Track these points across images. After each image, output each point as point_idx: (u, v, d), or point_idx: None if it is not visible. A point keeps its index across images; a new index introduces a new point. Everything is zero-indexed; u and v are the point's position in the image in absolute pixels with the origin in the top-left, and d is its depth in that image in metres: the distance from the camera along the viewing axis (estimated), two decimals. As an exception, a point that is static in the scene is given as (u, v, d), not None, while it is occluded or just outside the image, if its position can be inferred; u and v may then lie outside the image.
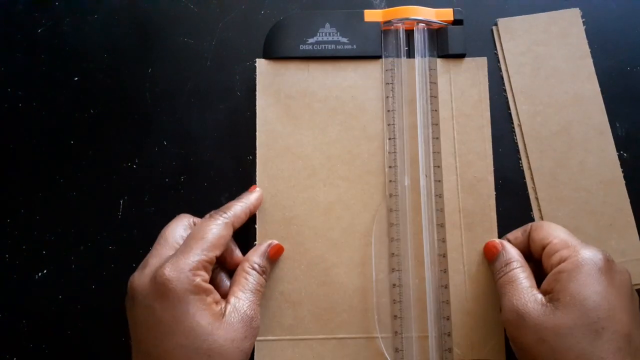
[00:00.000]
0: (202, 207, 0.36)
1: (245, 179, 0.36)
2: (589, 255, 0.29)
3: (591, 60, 0.37)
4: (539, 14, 0.38)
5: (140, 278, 0.28)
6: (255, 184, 0.35)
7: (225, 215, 0.31)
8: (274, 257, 0.33)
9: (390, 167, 0.35)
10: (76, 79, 0.39)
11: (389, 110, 0.36)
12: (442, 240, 0.34)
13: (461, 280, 0.34)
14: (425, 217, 0.34)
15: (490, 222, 0.35)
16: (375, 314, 0.33)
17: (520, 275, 0.30)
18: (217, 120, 0.38)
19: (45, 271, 0.36)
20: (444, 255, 0.34)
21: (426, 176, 0.35)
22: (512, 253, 0.32)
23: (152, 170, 0.37)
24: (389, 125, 0.36)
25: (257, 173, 0.35)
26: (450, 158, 0.35)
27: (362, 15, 0.37)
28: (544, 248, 0.31)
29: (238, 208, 0.32)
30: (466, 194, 0.35)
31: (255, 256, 0.32)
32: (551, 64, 0.37)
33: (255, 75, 0.36)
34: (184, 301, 0.27)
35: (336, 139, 0.36)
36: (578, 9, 0.38)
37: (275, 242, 0.34)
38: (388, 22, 0.36)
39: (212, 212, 0.32)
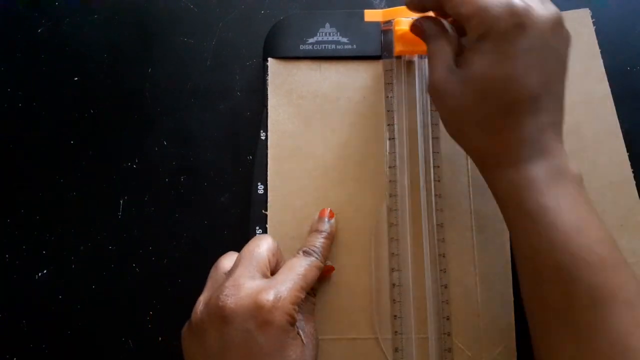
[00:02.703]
0: (202, 207, 0.36)
1: (245, 179, 0.36)
2: (496, 21, 0.26)
3: (601, 61, 0.37)
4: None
5: (239, 300, 0.27)
6: (255, 183, 0.35)
7: (319, 257, 0.31)
8: (324, 277, 0.33)
9: (390, 167, 0.35)
10: (76, 79, 0.39)
11: (388, 111, 0.36)
12: (442, 240, 0.34)
13: (472, 283, 0.34)
14: (425, 217, 0.34)
15: (502, 223, 0.34)
16: (375, 314, 0.33)
17: (442, 46, 0.30)
18: (217, 120, 0.38)
19: (45, 271, 0.36)
20: (444, 255, 0.34)
21: (426, 179, 0.35)
22: (431, 27, 0.31)
23: (152, 170, 0.37)
24: (388, 125, 0.36)
25: (268, 173, 0.35)
26: (462, 159, 0.35)
27: (362, 15, 0.37)
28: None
29: (326, 249, 0.33)
30: (478, 196, 0.35)
31: None
32: None
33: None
34: (286, 331, 0.27)
35: (347, 139, 0.36)
36: (588, 9, 0.38)
37: (328, 263, 0.33)
38: (388, 22, 0.36)
39: (306, 250, 0.32)
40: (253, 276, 0.28)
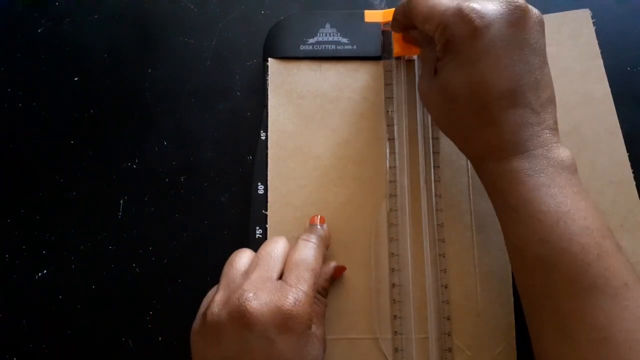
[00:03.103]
0: (202, 207, 0.36)
1: (245, 179, 0.36)
2: (452, 32, 0.27)
3: (601, 61, 0.37)
4: (549, 14, 0.37)
5: (259, 306, 0.26)
6: (255, 183, 0.35)
7: (320, 241, 0.31)
8: (336, 277, 0.33)
9: (390, 167, 0.35)
10: (76, 79, 0.39)
11: (388, 111, 0.36)
12: (442, 240, 0.34)
13: (472, 282, 0.34)
14: (425, 217, 0.34)
15: None
16: (375, 314, 0.33)
17: (427, 53, 0.32)
18: (217, 120, 0.38)
19: (45, 271, 0.36)
20: (444, 255, 0.34)
21: (426, 179, 0.35)
22: (418, 35, 0.33)
23: (152, 170, 0.37)
24: (388, 126, 0.36)
25: (268, 172, 0.35)
26: (461, 160, 0.35)
27: (362, 15, 0.37)
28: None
29: (323, 236, 0.32)
30: (478, 196, 0.35)
31: (322, 280, 0.32)
32: (561, 64, 0.37)
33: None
34: (305, 334, 0.27)
35: (347, 139, 0.36)
36: (588, 9, 0.38)
37: (337, 264, 0.33)
38: (388, 23, 0.36)
39: (305, 237, 0.31)
40: (271, 279, 0.28)
